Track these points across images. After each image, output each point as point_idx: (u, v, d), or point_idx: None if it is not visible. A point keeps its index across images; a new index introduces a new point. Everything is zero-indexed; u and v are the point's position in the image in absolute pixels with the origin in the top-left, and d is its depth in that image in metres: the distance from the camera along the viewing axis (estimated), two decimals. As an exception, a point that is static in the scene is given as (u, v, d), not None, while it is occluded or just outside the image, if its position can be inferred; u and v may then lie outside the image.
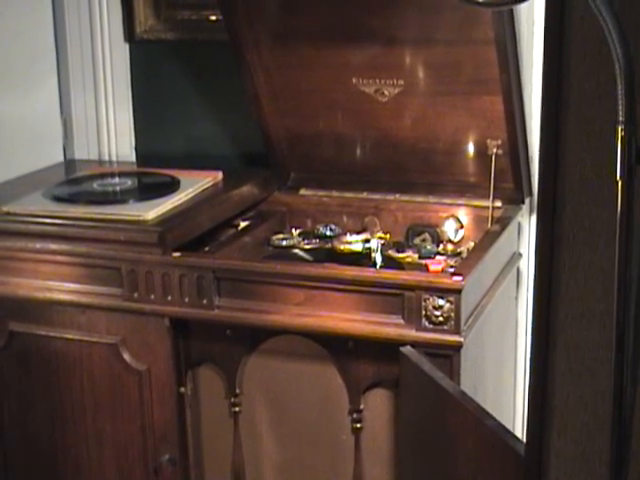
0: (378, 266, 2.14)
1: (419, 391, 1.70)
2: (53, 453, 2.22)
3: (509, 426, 1.72)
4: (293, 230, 2.42)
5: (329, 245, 2.33)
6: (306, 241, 2.36)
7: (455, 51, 2.12)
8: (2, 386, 2.23)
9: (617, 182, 0.92)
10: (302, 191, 2.48)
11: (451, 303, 1.82)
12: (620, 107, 0.90)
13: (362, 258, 2.23)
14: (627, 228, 0.92)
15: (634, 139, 0.91)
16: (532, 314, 1.07)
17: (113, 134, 2.76)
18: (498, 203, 2.25)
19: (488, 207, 2.22)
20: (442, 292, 1.82)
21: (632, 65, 0.89)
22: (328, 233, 2.38)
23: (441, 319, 1.83)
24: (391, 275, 1.91)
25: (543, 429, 1.06)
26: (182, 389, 2.10)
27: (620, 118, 0.91)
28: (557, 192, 1.01)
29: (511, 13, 2.00)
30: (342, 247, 2.30)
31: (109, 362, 2.11)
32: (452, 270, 1.93)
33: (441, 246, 2.27)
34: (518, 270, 2.38)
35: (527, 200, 2.30)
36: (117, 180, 2.43)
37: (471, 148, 2.27)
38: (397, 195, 2.39)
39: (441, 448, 1.59)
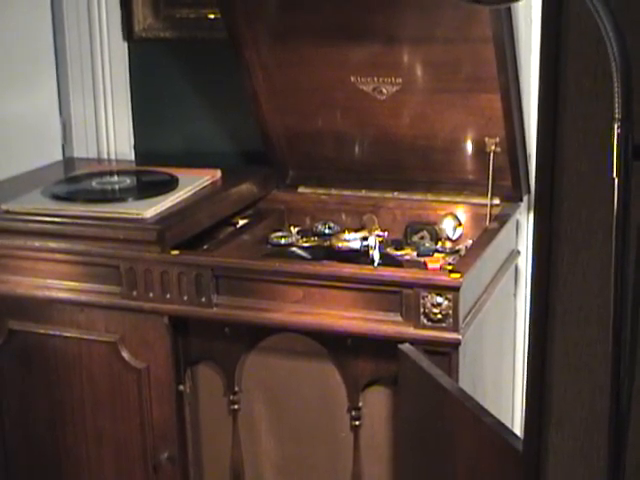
0: (376, 264, 2.14)
1: (418, 389, 1.71)
2: (53, 450, 2.22)
3: (508, 423, 1.72)
4: (292, 228, 2.43)
5: (327, 243, 2.33)
6: (305, 239, 2.36)
7: (453, 49, 2.13)
8: (1, 384, 2.23)
9: (614, 179, 0.93)
10: (301, 189, 2.49)
11: (449, 300, 1.82)
12: (616, 104, 0.91)
13: (360, 256, 2.23)
14: (624, 224, 0.92)
15: (630, 136, 0.91)
16: (530, 310, 1.07)
17: (112, 132, 2.76)
18: (496, 201, 2.25)
19: (486, 205, 2.23)
20: (440, 289, 1.82)
21: (628, 62, 0.90)
22: (327, 231, 2.38)
23: (439, 316, 1.83)
24: (389, 273, 1.92)
25: (541, 425, 1.06)
26: (181, 387, 2.10)
27: (616, 115, 0.91)
28: (554, 189, 1.01)
29: (509, 11, 2.00)
30: (340, 245, 2.30)
31: (108, 360, 2.11)
32: (450, 267, 1.94)
33: (439, 244, 2.28)
34: (516, 267, 2.38)
35: (525, 197, 2.31)
36: (116, 178, 2.43)
37: (469, 146, 2.28)
38: (395, 193, 2.39)
39: (440, 445, 1.59)
